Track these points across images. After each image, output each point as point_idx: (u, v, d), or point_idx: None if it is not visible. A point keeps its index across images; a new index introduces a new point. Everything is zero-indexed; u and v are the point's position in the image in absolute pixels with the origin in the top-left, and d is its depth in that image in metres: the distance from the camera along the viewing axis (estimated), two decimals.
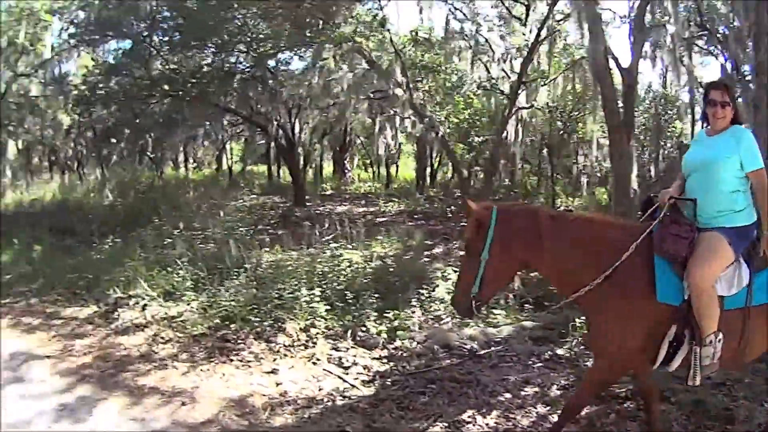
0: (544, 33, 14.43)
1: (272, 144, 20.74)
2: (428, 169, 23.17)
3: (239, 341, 6.75)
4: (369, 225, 10.58)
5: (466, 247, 4.01)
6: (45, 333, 7.56)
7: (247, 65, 16.48)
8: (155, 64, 17.01)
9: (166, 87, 16.10)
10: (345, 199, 17.65)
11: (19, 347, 6.95)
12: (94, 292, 8.85)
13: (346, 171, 25.13)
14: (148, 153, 22.12)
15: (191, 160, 28.84)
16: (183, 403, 5.50)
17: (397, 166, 26.33)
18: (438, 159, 23.60)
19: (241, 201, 15.18)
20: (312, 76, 16.35)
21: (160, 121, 18.27)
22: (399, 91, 14.93)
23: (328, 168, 27.62)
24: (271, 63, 17.11)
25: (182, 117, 18.06)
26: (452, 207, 15.57)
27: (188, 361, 6.40)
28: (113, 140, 22.35)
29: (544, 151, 18.17)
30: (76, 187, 20.97)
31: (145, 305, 7.91)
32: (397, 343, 6.62)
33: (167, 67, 16.93)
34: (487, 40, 16.71)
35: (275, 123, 16.93)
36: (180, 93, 16.14)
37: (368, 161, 28.83)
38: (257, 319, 7.02)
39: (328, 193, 20.01)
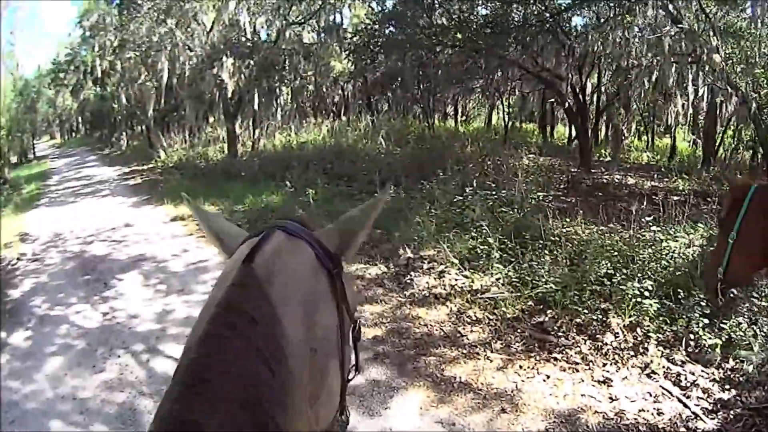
0: None
1: (557, 102, 19.26)
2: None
3: (560, 333, 5.60)
4: (664, 204, 8.85)
5: (720, 225, 3.54)
6: None
7: (535, 18, 15.09)
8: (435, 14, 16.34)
9: (458, 36, 15.22)
10: (628, 168, 15.69)
11: None
12: (381, 248, 8.18)
13: (623, 138, 23.08)
14: (419, 103, 21.65)
15: (460, 113, 28.09)
16: (503, 410, 4.56)
17: (675, 138, 23.80)
18: (721, 135, 20.93)
19: (523, 160, 13.88)
20: (608, 33, 14.66)
21: (440, 72, 17.56)
22: (716, 58, 12.75)
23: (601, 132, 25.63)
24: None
25: (469, 68, 17.15)
26: None
27: (503, 351, 5.42)
28: (384, 89, 22.39)
29: None
30: (346, 132, 21.02)
31: (442, 271, 7.06)
32: (731, 363, 5.09)
33: (451, 16, 16.08)
34: None
35: (567, 81, 15.46)
36: (469, 44, 15.23)
37: (642, 129, 26.33)
38: (580, 308, 5.75)
39: (606, 159, 18.15)
